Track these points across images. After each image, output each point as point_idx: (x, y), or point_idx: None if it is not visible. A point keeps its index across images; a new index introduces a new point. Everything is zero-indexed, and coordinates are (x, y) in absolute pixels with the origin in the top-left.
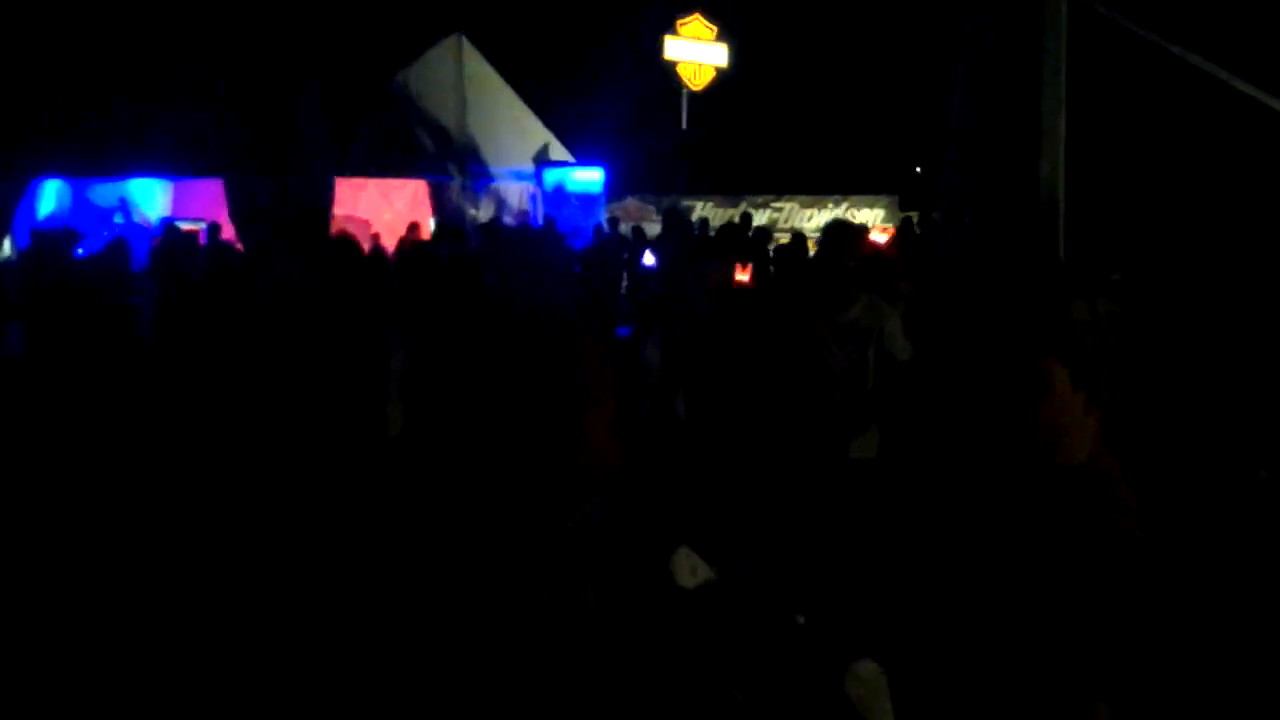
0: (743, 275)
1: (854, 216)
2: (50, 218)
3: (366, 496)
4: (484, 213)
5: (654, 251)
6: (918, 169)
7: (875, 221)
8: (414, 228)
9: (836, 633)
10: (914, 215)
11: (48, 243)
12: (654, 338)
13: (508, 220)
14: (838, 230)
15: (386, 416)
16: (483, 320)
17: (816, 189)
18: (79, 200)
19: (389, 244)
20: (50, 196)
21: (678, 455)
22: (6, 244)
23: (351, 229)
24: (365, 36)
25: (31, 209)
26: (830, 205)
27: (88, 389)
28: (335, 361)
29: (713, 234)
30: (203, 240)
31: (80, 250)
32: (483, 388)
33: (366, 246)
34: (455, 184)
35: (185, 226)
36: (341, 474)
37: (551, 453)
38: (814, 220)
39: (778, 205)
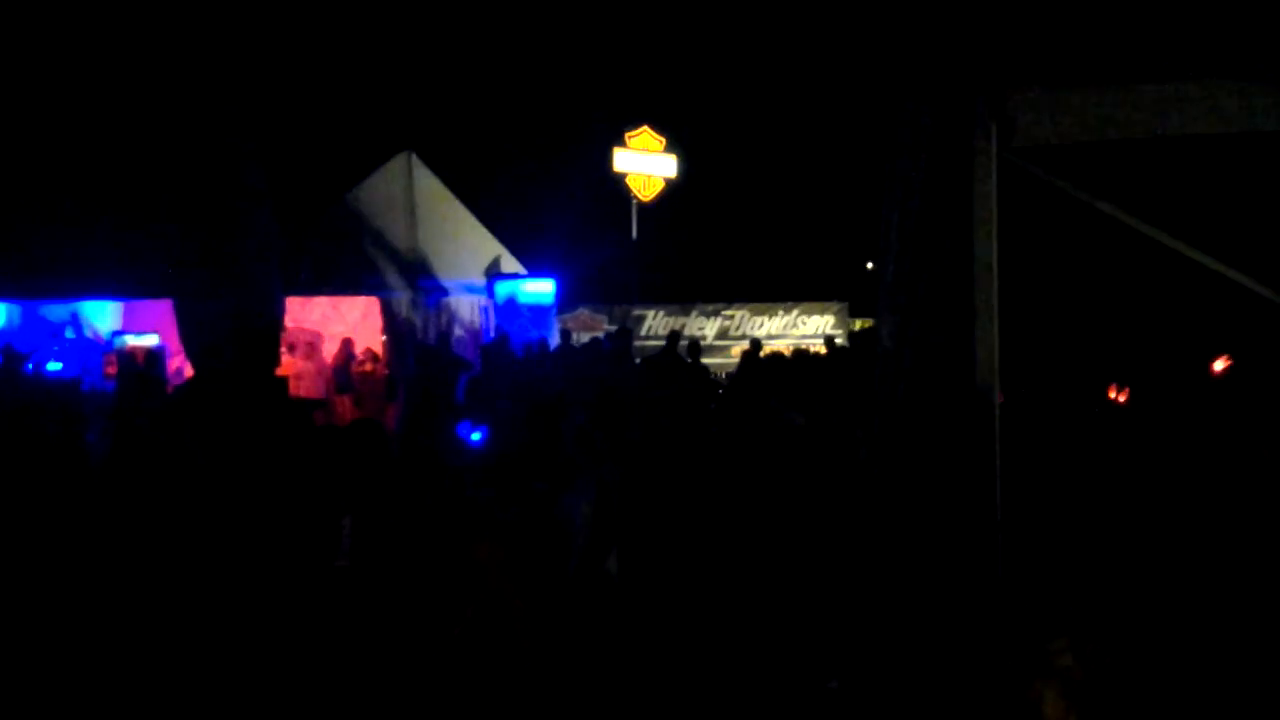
0: None
1: (803, 324)
2: (0, 334)
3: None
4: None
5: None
6: (869, 265)
7: (824, 328)
8: (347, 343)
9: None
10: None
11: None
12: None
13: (460, 335)
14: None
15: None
16: None
17: (766, 296)
18: (29, 315)
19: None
20: (0, 313)
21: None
22: None
23: (303, 340)
24: (315, 155)
25: None
26: (780, 312)
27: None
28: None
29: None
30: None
31: (31, 365)
32: None
33: (312, 361)
34: (406, 298)
35: (133, 343)
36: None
37: None
38: (764, 328)
39: (729, 313)
